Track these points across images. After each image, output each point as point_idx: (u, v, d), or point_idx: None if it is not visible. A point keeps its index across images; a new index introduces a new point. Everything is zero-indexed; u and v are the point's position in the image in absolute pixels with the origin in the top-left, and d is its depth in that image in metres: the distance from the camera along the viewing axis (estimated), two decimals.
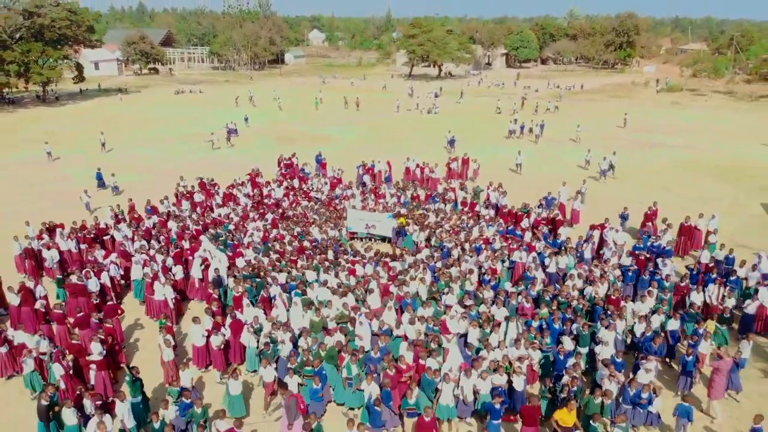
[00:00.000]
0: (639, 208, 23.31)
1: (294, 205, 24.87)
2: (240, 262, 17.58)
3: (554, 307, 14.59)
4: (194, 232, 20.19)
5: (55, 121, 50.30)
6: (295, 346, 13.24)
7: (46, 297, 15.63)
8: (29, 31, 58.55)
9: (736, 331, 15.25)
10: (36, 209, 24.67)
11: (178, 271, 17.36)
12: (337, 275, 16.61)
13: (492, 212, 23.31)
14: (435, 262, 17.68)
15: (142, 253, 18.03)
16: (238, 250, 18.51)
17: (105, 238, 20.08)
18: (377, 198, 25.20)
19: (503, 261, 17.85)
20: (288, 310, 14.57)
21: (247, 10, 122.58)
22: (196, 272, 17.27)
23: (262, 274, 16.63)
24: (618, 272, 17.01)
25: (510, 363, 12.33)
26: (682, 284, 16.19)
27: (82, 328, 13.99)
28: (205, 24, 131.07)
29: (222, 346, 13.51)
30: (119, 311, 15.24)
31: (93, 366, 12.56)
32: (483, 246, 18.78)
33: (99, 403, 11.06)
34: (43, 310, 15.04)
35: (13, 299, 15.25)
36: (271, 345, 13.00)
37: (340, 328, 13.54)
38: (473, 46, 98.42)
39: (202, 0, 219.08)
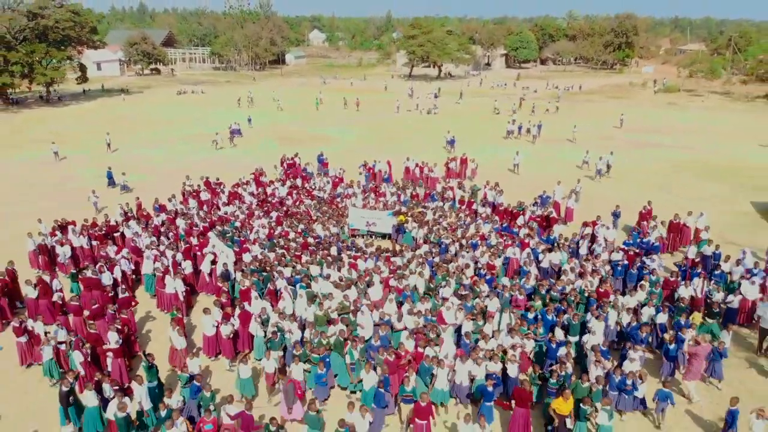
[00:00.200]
0: (633, 207, 23.79)
1: (297, 203, 25.63)
2: (247, 257, 18.32)
3: (548, 300, 15.40)
4: (202, 229, 20.94)
5: (60, 122, 50.92)
6: (301, 337, 13.99)
7: (62, 290, 16.36)
8: (33, 32, 59.21)
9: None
10: (45, 208, 25.33)
11: (187, 266, 18.09)
12: (339, 270, 17.36)
13: (489, 210, 24.06)
14: (433, 258, 18.46)
15: (152, 248, 18.77)
16: (244, 246, 19.25)
17: (115, 234, 20.86)
18: (378, 197, 25.95)
19: (500, 256, 18.60)
20: (294, 302, 15.32)
21: (248, 11, 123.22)
22: (205, 267, 18.01)
23: (268, 268, 17.35)
24: (608, 267, 17.78)
25: (504, 351, 13.09)
26: (672, 279, 16.98)
27: (98, 319, 14.72)
28: (206, 24, 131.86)
29: (231, 336, 14.26)
30: (133, 302, 15.98)
31: (110, 354, 13.31)
32: (479, 242, 19.54)
33: (116, 387, 11.83)
34: (60, 302, 15.79)
35: (30, 292, 15.99)
36: (278, 334, 13.74)
37: (342, 319, 14.28)
38: (473, 47, 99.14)
39: (202, 0, 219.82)
